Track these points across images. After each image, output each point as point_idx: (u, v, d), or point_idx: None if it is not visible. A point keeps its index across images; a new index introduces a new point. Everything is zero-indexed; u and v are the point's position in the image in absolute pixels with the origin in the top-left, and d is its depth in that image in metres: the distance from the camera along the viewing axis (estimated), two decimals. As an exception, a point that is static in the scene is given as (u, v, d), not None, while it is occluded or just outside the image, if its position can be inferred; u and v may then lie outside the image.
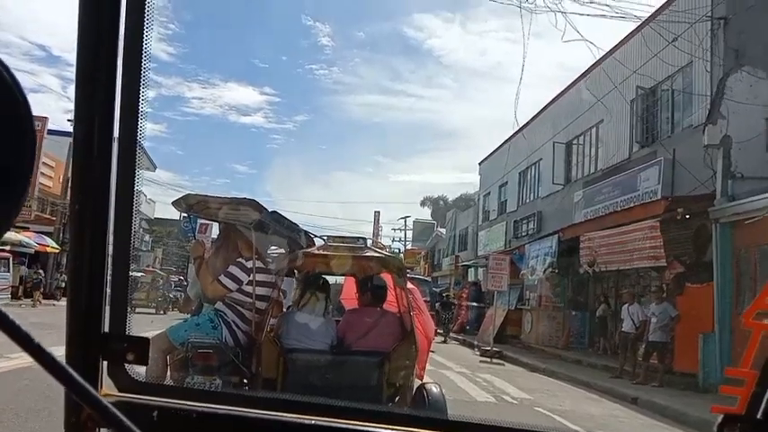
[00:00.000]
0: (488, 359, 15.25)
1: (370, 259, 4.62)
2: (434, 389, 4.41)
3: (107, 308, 1.11)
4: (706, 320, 10.77)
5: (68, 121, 24.77)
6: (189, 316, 5.02)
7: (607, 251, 14.22)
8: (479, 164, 32.50)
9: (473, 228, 32.53)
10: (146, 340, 1.15)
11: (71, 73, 1.06)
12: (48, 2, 59.49)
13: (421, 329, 4.66)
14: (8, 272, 22.68)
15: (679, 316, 11.35)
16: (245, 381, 4.30)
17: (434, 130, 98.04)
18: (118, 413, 0.66)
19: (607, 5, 15.94)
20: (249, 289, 4.40)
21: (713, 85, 11.95)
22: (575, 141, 20.00)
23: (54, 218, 28.50)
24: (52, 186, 28.10)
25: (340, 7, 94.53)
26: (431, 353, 6.72)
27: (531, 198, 23.95)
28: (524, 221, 23.68)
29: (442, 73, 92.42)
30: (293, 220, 5.17)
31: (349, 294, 5.71)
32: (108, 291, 1.11)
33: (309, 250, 4.69)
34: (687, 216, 11.77)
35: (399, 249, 44.39)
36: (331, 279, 5.24)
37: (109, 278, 1.11)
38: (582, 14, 18.20)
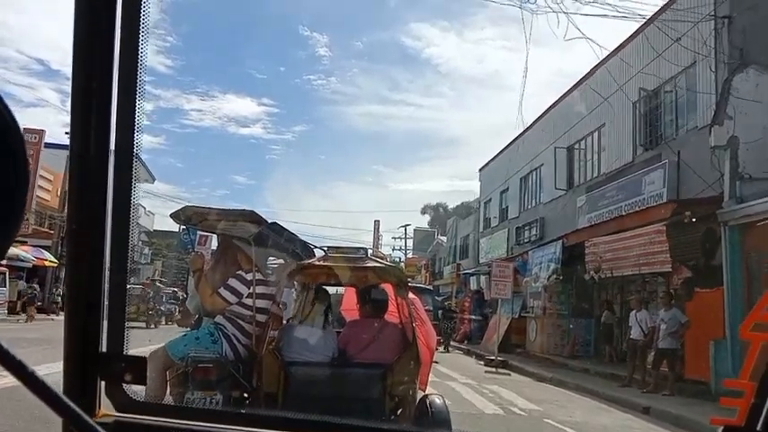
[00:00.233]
0: (494, 369, 14.96)
1: (370, 270, 4.61)
2: (437, 400, 4.36)
3: (105, 326, 1.11)
4: (717, 326, 10.47)
5: (66, 134, 24.59)
6: (188, 329, 4.96)
7: (612, 256, 13.97)
8: (479, 170, 32.24)
9: (474, 235, 32.23)
10: (143, 360, 1.16)
11: (69, 87, 1.07)
12: (46, 16, 59.73)
13: (423, 340, 4.57)
14: (5, 287, 22.55)
15: (689, 322, 11.07)
16: (245, 395, 4.26)
17: (433, 138, 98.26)
18: None
19: (609, 4, 15.77)
20: (249, 302, 4.36)
21: (718, 85, 11.74)
22: (576, 146, 19.76)
23: (52, 231, 28.32)
24: (50, 200, 27.97)
25: (337, 17, 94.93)
26: (434, 363, 6.52)
27: (533, 204, 23.69)
28: (526, 228, 23.40)
29: (441, 81, 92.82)
30: (293, 231, 5.14)
31: (350, 305, 5.59)
32: (105, 310, 1.10)
33: (309, 262, 4.66)
34: (694, 219, 11.52)
35: (400, 258, 44.10)
36: (331, 290, 5.20)
37: (106, 297, 1.11)
38: (584, 15, 18.04)
